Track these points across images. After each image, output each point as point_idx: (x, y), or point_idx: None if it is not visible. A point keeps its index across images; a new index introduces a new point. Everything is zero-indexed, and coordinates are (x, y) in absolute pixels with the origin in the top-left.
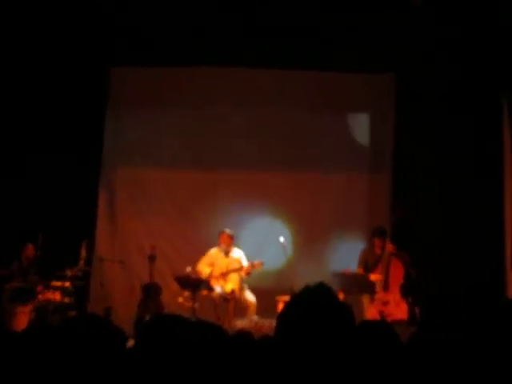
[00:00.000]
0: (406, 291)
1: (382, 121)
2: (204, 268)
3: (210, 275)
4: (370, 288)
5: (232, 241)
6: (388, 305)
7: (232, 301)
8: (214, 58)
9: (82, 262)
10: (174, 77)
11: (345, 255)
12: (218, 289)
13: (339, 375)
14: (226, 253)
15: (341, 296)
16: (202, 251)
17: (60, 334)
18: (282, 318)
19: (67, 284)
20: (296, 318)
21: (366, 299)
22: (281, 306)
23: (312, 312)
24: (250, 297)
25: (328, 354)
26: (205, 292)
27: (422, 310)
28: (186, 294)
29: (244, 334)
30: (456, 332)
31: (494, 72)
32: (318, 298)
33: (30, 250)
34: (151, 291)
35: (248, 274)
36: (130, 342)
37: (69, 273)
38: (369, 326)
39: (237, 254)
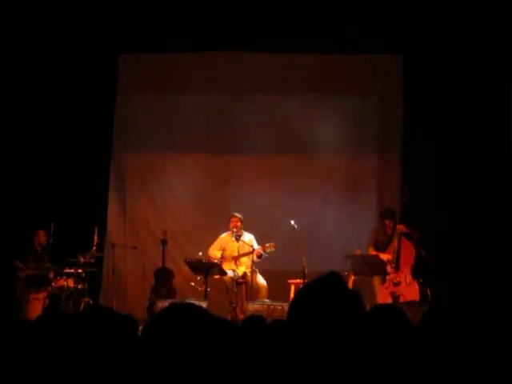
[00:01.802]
0: (417, 272)
1: (391, 103)
2: (215, 252)
3: (222, 258)
4: (381, 269)
5: (242, 224)
6: (399, 285)
7: (244, 284)
8: (222, 43)
9: (94, 249)
10: (182, 62)
11: (355, 237)
12: (229, 273)
13: (349, 361)
14: (237, 237)
15: (352, 278)
16: (213, 235)
17: (71, 322)
18: (294, 305)
19: (80, 270)
20: (307, 305)
21: (376, 280)
22: (293, 289)
23: (323, 300)
24: (261, 280)
25: (338, 340)
26: (217, 276)
27: (433, 291)
28: (198, 278)
29: (256, 318)
30: (469, 313)
31: (504, 54)
32: (329, 286)
33: (41, 236)
34: (163, 276)
35: (259, 256)
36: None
37: (81, 259)
38: (380, 310)
39: (247, 237)
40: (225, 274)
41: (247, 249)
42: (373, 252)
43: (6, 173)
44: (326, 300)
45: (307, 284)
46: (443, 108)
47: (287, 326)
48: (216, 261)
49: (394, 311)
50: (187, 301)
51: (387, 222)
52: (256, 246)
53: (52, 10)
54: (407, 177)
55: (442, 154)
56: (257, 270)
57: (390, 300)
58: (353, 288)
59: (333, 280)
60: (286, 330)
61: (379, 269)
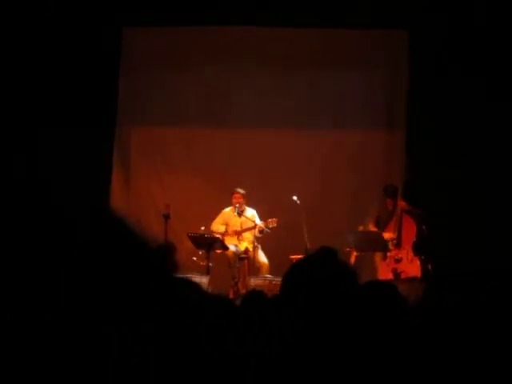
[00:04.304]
0: (419, 248)
1: (396, 78)
2: (219, 226)
3: (225, 233)
4: (383, 246)
5: (244, 200)
6: (401, 262)
7: (246, 259)
8: (227, 18)
9: None
10: (187, 36)
11: (359, 213)
12: (232, 247)
13: (340, 335)
14: (240, 212)
15: (354, 254)
16: (216, 210)
17: None
18: (287, 280)
19: None
20: (299, 280)
21: (378, 257)
22: None
23: (315, 274)
24: (262, 258)
25: (330, 314)
26: (219, 251)
27: (435, 267)
28: (201, 252)
29: (257, 293)
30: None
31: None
32: (322, 261)
33: None
34: (165, 250)
35: (261, 231)
36: None
37: None
38: (374, 286)
39: (250, 213)
40: (227, 248)
41: (250, 224)
42: (373, 229)
43: (7, 149)
44: (318, 274)
45: (300, 259)
46: (449, 84)
47: (280, 301)
48: (218, 235)
49: (387, 286)
50: (188, 276)
51: (388, 199)
52: (258, 222)
53: None
54: (411, 153)
55: (446, 131)
56: (259, 247)
57: (391, 276)
58: (346, 263)
59: (326, 255)
60: (279, 305)
61: (381, 245)
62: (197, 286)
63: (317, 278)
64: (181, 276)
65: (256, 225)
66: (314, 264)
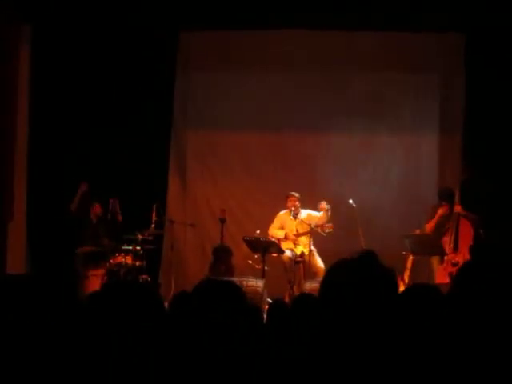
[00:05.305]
0: (476, 252)
1: (453, 81)
2: (276, 232)
3: (283, 239)
4: (439, 250)
5: (299, 203)
6: (458, 266)
7: (302, 263)
8: (282, 22)
9: (152, 226)
10: (243, 41)
11: (415, 217)
12: (287, 252)
13: (377, 337)
14: (295, 215)
15: (410, 257)
16: (271, 213)
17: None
18: (324, 281)
19: (138, 248)
20: (337, 282)
21: (435, 260)
22: None
23: (353, 277)
24: (319, 263)
25: (367, 317)
26: (275, 254)
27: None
28: (256, 256)
29: (307, 296)
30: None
31: None
32: (360, 262)
33: (97, 208)
34: (222, 254)
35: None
36: None
37: (139, 236)
38: (416, 289)
39: (304, 214)
40: (282, 252)
41: (305, 226)
42: (430, 226)
43: (68, 150)
44: (356, 276)
45: (338, 261)
46: (506, 88)
47: (318, 302)
48: (275, 240)
49: (430, 290)
50: (243, 279)
51: (444, 202)
52: (317, 214)
53: None
54: (468, 157)
55: (504, 135)
56: (315, 250)
57: (448, 280)
58: (388, 267)
59: (365, 257)
60: (317, 306)
61: (437, 249)
62: (238, 289)
63: (355, 279)
64: (225, 279)
65: (311, 229)
66: (352, 266)
